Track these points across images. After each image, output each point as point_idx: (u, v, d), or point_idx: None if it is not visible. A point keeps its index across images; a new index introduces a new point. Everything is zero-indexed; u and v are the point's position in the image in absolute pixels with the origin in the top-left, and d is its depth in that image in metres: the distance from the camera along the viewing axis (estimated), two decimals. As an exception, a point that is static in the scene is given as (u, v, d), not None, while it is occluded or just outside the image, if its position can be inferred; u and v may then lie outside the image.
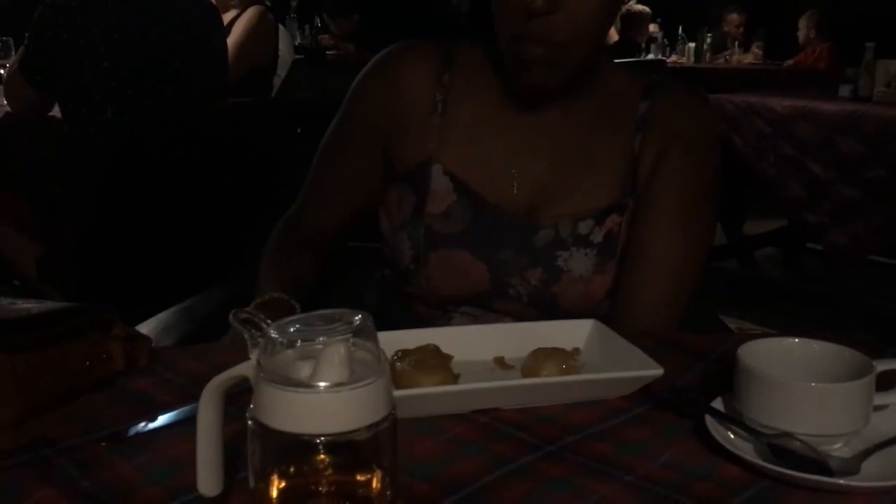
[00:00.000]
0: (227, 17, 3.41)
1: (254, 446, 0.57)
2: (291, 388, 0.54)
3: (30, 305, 0.83)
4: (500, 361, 0.95)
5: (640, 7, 7.00)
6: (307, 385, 0.55)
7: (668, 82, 1.25)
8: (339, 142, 1.28)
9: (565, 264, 1.16)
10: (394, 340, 0.90)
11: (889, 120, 3.41)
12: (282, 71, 3.87)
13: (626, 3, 6.63)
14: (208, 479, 0.62)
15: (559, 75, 1.11)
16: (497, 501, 0.68)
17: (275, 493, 0.57)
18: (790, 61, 7.05)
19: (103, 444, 0.76)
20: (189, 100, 2.47)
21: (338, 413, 0.55)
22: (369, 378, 0.55)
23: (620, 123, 1.20)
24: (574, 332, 0.97)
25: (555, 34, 1.06)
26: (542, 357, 0.90)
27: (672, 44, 8.06)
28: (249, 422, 0.57)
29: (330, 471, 0.57)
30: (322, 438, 0.54)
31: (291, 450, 0.56)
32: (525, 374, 0.91)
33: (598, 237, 1.17)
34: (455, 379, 0.87)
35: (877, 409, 0.77)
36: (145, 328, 1.31)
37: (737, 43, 7.74)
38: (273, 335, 0.56)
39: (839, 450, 0.75)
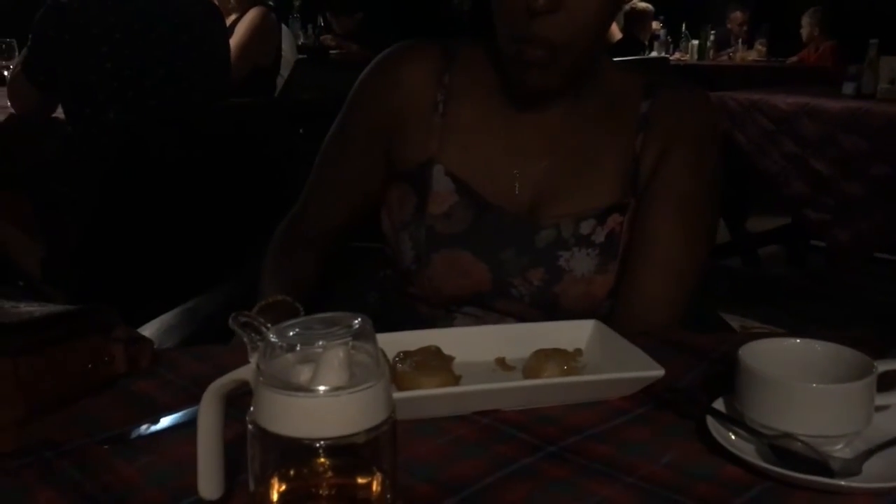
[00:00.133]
0: (227, 21, 3.41)
1: (254, 450, 0.57)
2: (291, 392, 0.55)
3: (32, 308, 0.83)
4: (501, 362, 0.95)
5: (643, 4, 6.99)
6: (306, 389, 0.55)
7: (669, 81, 1.24)
8: (341, 142, 1.28)
9: (567, 264, 1.16)
10: (395, 342, 0.91)
11: (893, 117, 3.40)
12: (285, 71, 3.87)
13: (627, 3, 6.62)
14: (209, 483, 0.62)
15: (558, 77, 1.11)
16: (498, 503, 0.68)
17: (275, 497, 0.57)
18: (793, 58, 7.04)
19: (105, 446, 0.76)
20: (191, 100, 2.47)
21: (337, 417, 0.55)
22: (369, 381, 0.55)
23: (622, 123, 1.20)
24: (575, 333, 0.97)
25: (555, 35, 1.06)
26: (544, 358, 0.90)
27: (675, 41, 8.05)
28: (249, 425, 0.57)
29: (330, 474, 0.57)
30: (322, 442, 0.54)
31: (291, 453, 0.56)
32: (526, 375, 0.91)
33: (599, 237, 1.17)
34: (456, 380, 0.87)
35: (878, 409, 0.76)
36: (148, 329, 1.31)
37: (740, 40, 7.73)
38: (272, 339, 0.56)
39: (841, 451, 0.75)
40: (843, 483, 0.69)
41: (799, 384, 0.75)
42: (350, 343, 0.56)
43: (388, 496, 0.59)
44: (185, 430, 0.77)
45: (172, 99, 2.42)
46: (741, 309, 3.37)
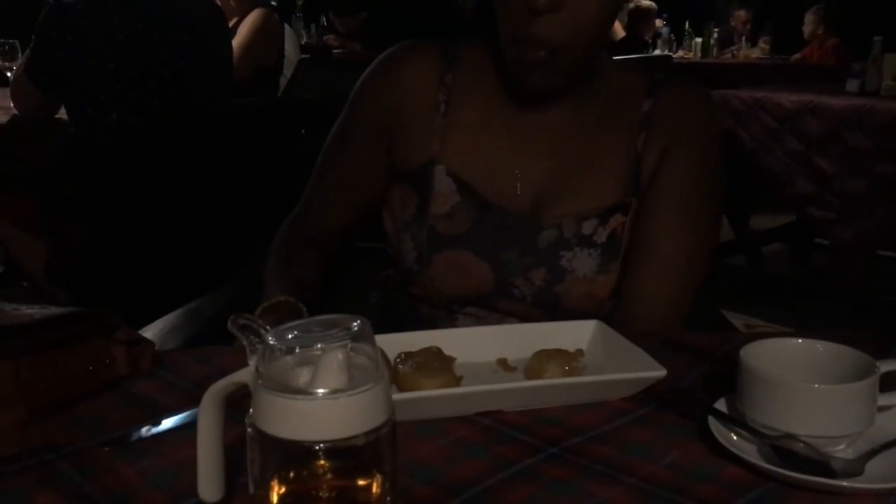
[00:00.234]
0: (229, 23, 3.41)
1: (253, 453, 0.57)
2: (290, 395, 0.54)
3: (33, 311, 0.83)
4: (503, 363, 0.95)
5: (647, 3, 6.98)
6: (305, 392, 0.55)
7: (671, 80, 1.24)
8: (342, 143, 1.28)
9: (569, 264, 1.16)
10: (396, 342, 0.91)
11: (897, 114, 3.39)
12: (288, 70, 3.87)
13: (629, 1, 6.61)
14: (209, 486, 0.62)
15: (559, 77, 1.11)
16: (499, 505, 0.68)
17: (275, 499, 0.57)
18: (797, 55, 7.03)
19: (106, 448, 0.76)
20: (194, 100, 2.47)
21: (336, 420, 0.54)
22: (368, 384, 0.55)
23: (624, 122, 1.20)
24: (577, 333, 0.97)
25: (556, 35, 1.06)
26: (545, 358, 0.90)
27: (679, 39, 8.03)
28: (248, 428, 0.57)
29: (330, 476, 0.57)
30: (321, 445, 0.54)
31: (291, 456, 0.56)
32: (528, 376, 0.90)
33: (601, 237, 1.16)
34: (458, 381, 0.87)
35: (881, 409, 0.76)
36: (151, 330, 1.32)
37: (744, 38, 7.71)
38: (271, 342, 0.56)
39: (843, 451, 0.75)
40: (845, 484, 0.69)
41: (801, 384, 0.75)
42: (349, 345, 0.56)
43: (389, 498, 0.59)
44: (187, 432, 0.76)
45: (175, 99, 2.42)
46: (745, 307, 3.36)
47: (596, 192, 1.18)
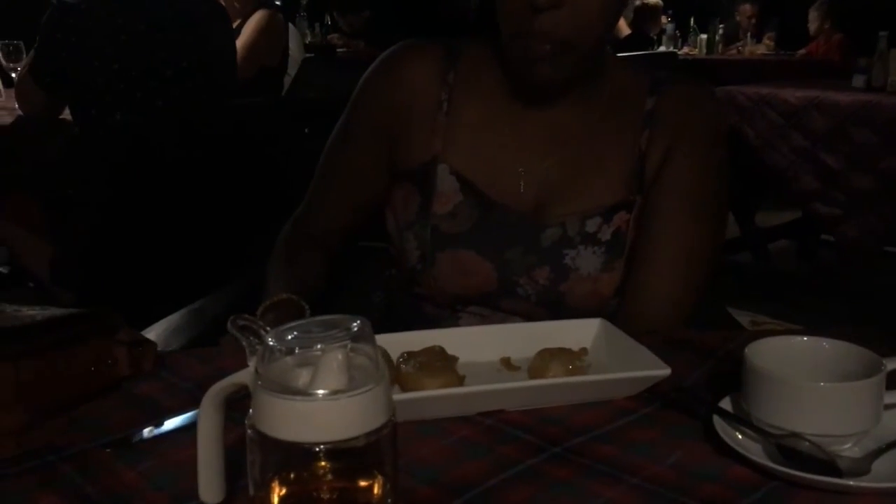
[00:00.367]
0: (234, 24, 3.41)
1: (253, 454, 0.56)
2: (289, 396, 0.54)
3: (34, 312, 0.83)
4: (506, 362, 0.94)
5: (653, 0, 6.97)
6: (305, 393, 0.54)
7: (674, 77, 1.23)
8: (345, 141, 1.28)
9: (573, 262, 1.15)
10: (399, 342, 0.90)
11: (903, 110, 3.37)
12: (292, 69, 3.87)
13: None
14: (209, 487, 0.62)
15: (563, 72, 1.10)
16: (501, 505, 0.68)
17: (275, 501, 0.57)
18: (802, 51, 7.00)
19: (108, 450, 0.76)
20: (198, 100, 2.47)
21: (336, 421, 0.54)
22: (368, 384, 0.55)
23: (627, 120, 1.19)
24: (581, 332, 0.97)
25: (559, 30, 1.05)
26: (549, 357, 0.90)
27: (684, 36, 8.02)
28: (248, 430, 0.56)
29: (330, 477, 0.57)
30: (321, 446, 0.54)
31: (291, 457, 0.56)
32: (531, 375, 0.90)
33: (605, 235, 1.16)
34: (460, 380, 0.87)
35: (887, 408, 0.76)
36: (155, 330, 1.32)
37: (749, 34, 7.68)
38: (271, 343, 0.56)
39: (849, 450, 0.74)
40: (851, 483, 0.69)
41: (806, 383, 0.75)
42: (349, 346, 0.55)
43: (390, 500, 0.58)
44: (188, 433, 0.76)
45: (179, 100, 2.42)
46: (751, 304, 3.36)
47: (600, 190, 1.17)
